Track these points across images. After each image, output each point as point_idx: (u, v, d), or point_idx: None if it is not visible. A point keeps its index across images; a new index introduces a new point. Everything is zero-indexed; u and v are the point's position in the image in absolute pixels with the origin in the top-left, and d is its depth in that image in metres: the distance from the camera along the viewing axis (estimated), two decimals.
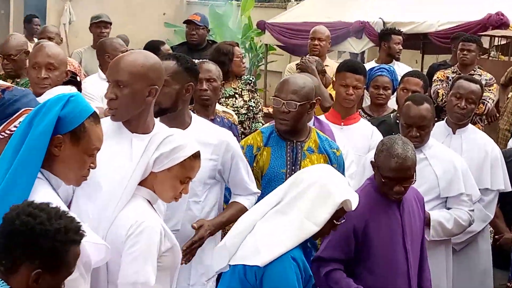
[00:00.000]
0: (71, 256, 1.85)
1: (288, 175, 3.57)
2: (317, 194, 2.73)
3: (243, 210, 3.22)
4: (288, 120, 3.61)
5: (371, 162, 3.41)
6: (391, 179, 3.22)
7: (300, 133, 3.80)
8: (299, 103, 3.54)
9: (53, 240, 1.78)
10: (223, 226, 3.38)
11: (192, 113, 3.35)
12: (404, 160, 3.18)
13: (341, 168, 3.79)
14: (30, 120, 2.14)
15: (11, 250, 1.79)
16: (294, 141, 3.75)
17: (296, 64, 5.95)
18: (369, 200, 3.33)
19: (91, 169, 2.26)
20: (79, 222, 1.91)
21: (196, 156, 2.57)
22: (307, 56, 5.83)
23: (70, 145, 2.12)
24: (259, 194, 3.36)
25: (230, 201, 3.45)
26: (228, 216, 3.31)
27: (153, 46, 5.50)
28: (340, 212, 2.75)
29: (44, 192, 2.08)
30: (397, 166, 3.18)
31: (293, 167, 3.69)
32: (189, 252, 3.09)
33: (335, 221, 2.76)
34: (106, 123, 2.75)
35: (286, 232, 2.70)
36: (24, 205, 1.86)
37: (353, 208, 2.72)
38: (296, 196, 2.76)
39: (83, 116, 2.16)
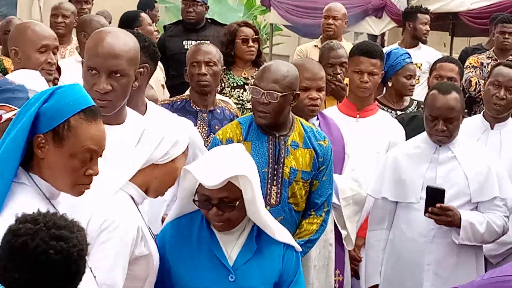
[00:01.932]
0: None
1: (269, 175, 3.42)
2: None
3: None
4: (268, 112, 3.37)
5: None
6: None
7: (282, 126, 3.56)
8: (280, 94, 3.30)
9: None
10: None
11: (147, 100, 3.17)
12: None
13: (327, 159, 3.66)
14: (14, 119, 2.09)
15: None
16: (277, 135, 3.51)
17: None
18: None
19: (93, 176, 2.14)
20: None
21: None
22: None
23: (52, 146, 1.98)
24: None
25: None
26: None
27: (130, 18, 5.75)
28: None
29: (22, 200, 1.95)
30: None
31: (276, 166, 3.47)
32: None
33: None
34: None
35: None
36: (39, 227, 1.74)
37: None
38: None
39: (68, 111, 1.99)
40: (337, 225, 3.92)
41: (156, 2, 6.09)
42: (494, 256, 4.02)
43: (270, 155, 3.50)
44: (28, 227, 1.75)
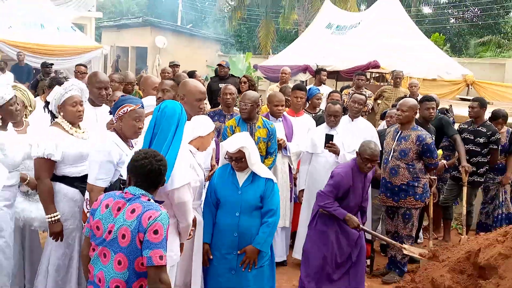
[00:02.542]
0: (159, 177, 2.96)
1: None
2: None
3: None
4: (246, 112, 5.20)
5: (356, 152, 4.81)
6: (367, 160, 4.67)
7: (252, 119, 5.25)
8: (250, 104, 5.19)
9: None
10: None
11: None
12: (374, 151, 4.67)
13: (273, 133, 5.39)
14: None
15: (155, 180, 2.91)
16: (251, 123, 5.26)
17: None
18: (352, 173, 4.78)
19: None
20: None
21: None
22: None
23: None
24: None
25: None
26: None
27: (190, 73, 7.81)
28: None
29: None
30: (371, 154, 4.65)
31: (251, 135, 5.01)
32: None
33: None
34: None
35: None
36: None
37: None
38: None
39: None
40: (289, 163, 5.84)
41: (195, 71, 8.98)
42: None
43: (249, 131, 5.08)
44: (142, 156, 2.88)
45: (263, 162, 5.17)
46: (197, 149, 3.80)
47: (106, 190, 3.61)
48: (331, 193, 4.69)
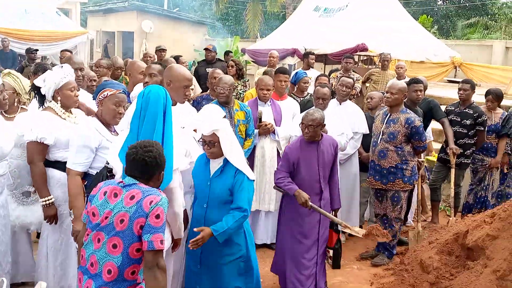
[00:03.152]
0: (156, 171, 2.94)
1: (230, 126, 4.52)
2: None
3: None
4: (224, 96, 5.30)
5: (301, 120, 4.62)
6: (303, 125, 4.57)
7: (230, 103, 5.35)
8: (228, 88, 5.28)
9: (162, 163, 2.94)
10: None
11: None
12: (315, 118, 4.53)
13: (250, 115, 5.46)
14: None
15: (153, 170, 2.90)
16: (229, 106, 5.37)
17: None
18: (300, 144, 4.67)
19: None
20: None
21: None
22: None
23: None
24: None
25: None
26: None
27: (175, 58, 7.74)
28: None
29: None
30: (310, 119, 4.54)
31: (231, 119, 5.24)
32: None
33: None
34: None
35: None
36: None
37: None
38: None
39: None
40: (278, 148, 5.76)
41: (180, 56, 9.02)
42: (343, 159, 5.88)
43: (227, 115, 5.09)
44: (132, 146, 2.87)
45: (242, 144, 5.19)
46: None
47: (92, 177, 3.61)
48: (282, 167, 4.63)
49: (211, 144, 3.70)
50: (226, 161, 3.75)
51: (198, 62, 10.26)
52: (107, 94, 3.67)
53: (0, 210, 3.86)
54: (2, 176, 3.87)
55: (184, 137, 3.75)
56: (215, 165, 3.80)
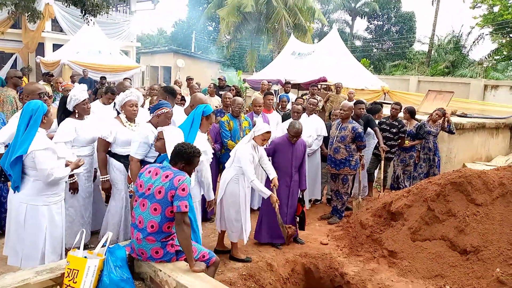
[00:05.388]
0: (196, 161, 2.84)
1: (240, 130, 4.79)
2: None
3: None
4: (237, 111, 5.00)
5: (287, 129, 4.52)
6: (292, 136, 4.50)
7: (239, 116, 5.06)
8: (239, 106, 5.00)
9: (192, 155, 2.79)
10: None
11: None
12: (298, 129, 4.47)
13: (251, 124, 5.11)
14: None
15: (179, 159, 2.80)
16: (239, 118, 5.06)
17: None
18: (282, 141, 4.57)
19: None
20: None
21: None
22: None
23: None
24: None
25: None
26: None
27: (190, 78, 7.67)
28: None
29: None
30: (295, 131, 4.47)
31: (240, 126, 4.99)
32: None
33: None
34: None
35: None
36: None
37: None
38: None
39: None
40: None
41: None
42: (310, 153, 5.58)
43: (238, 123, 4.98)
44: (181, 146, 2.83)
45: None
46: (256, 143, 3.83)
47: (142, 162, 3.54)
48: (267, 150, 4.44)
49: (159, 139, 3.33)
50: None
51: (214, 86, 10.04)
52: (164, 111, 3.59)
53: (86, 181, 3.83)
54: (90, 156, 3.87)
55: (201, 139, 3.51)
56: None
